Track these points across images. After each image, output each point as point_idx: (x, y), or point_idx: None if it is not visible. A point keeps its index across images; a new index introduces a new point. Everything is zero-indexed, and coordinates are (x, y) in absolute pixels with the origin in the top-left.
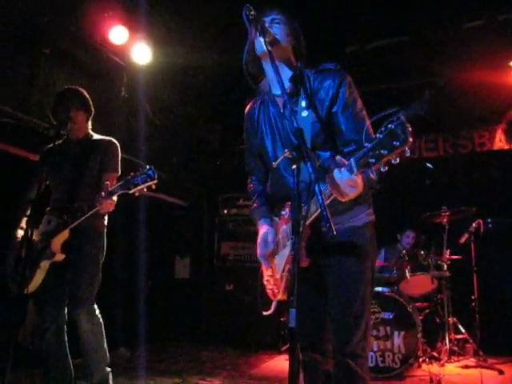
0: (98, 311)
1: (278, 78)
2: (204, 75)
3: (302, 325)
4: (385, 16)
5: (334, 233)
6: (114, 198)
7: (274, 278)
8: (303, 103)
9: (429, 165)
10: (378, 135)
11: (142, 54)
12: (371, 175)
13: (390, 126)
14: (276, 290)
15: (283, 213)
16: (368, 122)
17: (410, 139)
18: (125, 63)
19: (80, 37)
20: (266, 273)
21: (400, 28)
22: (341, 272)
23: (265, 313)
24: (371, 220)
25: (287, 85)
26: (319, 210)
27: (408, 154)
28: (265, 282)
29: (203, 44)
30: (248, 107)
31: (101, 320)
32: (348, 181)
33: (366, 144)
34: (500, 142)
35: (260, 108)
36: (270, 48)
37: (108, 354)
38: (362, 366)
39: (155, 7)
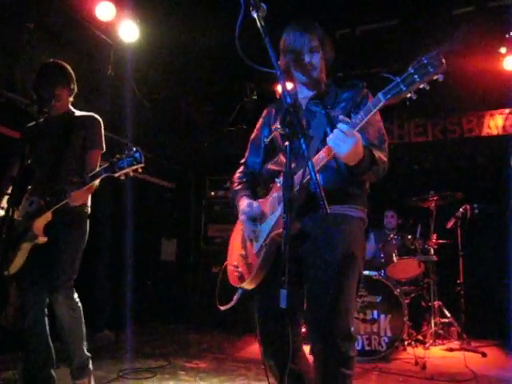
0: (76, 295)
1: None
2: (193, 55)
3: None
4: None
5: (328, 211)
6: (96, 181)
7: (247, 257)
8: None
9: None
10: (409, 69)
11: (129, 31)
12: (374, 152)
13: (422, 59)
14: (246, 273)
15: (277, 180)
16: (383, 132)
17: (444, 64)
18: (111, 41)
19: (65, 12)
20: (238, 252)
21: (390, 12)
22: (323, 256)
23: (222, 308)
24: (364, 217)
25: (312, 92)
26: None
27: (441, 79)
28: (231, 267)
29: (192, 22)
30: (267, 109)
31: (79, 304)
32: (346, 131)
33: (396, 78)
34: (488, 127)
35: (280, 108)
36: (262, 23)
37: (85, 340)
38: (348, 364)
39: None
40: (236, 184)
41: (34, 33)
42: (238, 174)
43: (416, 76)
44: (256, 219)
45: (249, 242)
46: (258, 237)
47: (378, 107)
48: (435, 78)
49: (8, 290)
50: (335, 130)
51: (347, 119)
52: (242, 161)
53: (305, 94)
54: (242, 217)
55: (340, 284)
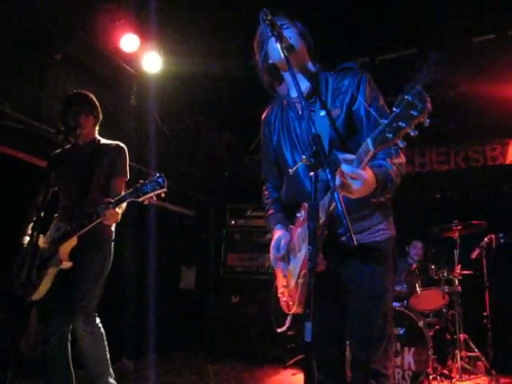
0: (98, 321)
1: (294, 83)
2: (214, 85)
3: (317, 342)
4: (395, 28)
5: (355, 243)
6: (123, 205)
7: (288, 288)
8: (320, 104)
9: None
10: (394, 109)
11: (152, 62)
12: (389, 170)
13: (406, 97)
14: (291, 303)
15: (299, 215)
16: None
17: (429, 106)
18: (135, 71)
19: (91, 44)
20: (281, 283)
21: (410, 41)
22: (362, 284)
23: (279, 330)
24: (392, 234)
25: (305, 87)
26: (332, 205)
27: (427, 124)
28: (279, 295)
29: (214, 53)
30: (265, 113)
31: (102, 330)
32: (350, 174)
33: (383, 120)
34: None
35: (277, 113)
36: (286, 54)
37: (110, 367)
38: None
39: (167, 16)
40: (267, 208)
41: (60, 64)
42: (265, 193)
43: (400, 122)
44: (285, 257)
45: (287, 272)
46: (293, 273)
47: (369, 156)
48: (422, 121)
49: (28, 317)
50: (338, 175)
51: (350, 156)
52: (262, 176)
53: (297, 92)
54: (272, 257)
55: (376, 311)
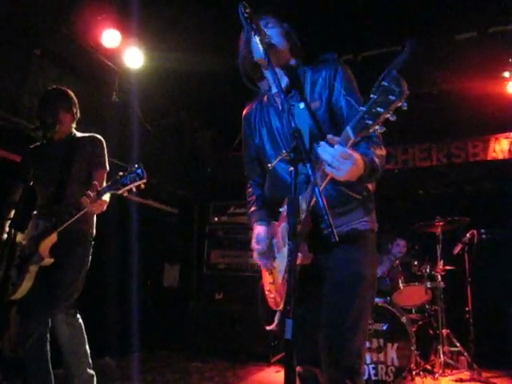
0: (78, 314)
1: (274, 78)
2: (196, 81)
3: (301, 335)
4: (378, 26)
5: (336, 239)
6: (105, 197)
7: (275, 284)
8: (300, 97)
9: None
10: (371, 96)
11: (134, 58)
12: (374, 158)
13: (382, 83)
14: (278, 299)
15: (282, 210)
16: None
17: (406, 90)
18: (117, 67)
19: (72, 39)
20: (267, 280)
21: (393, 38)
22: (338, 275)
23: (268, 327)
24: (374, 227)
25: (284, 82)
26: (314, 200)
27: (405, 108)
28: (266, 292)
29: (196, 49)
30: (245, 110)
31: (80, 321)
32: (341, 153)
33: (361, 108)
34: (494, 152)
35: (257, 110)
36: (265, 48)
37: (89, 358)
38: (357, 382)
39: (148, 11)
40: (250, 205)
41: (40, 59)
42: (249, 190)
43: (379, 108)
44: (270, 252)
45: (273, 269)
46: (279, 269)
47: (349, 144)
48: (399, 105)
49: (8, 317)
50: (328, 151)
51: (336, 138)
52: (245, 173)
53: (276, 88)
54: (254, 254)
55: (349, 304)
